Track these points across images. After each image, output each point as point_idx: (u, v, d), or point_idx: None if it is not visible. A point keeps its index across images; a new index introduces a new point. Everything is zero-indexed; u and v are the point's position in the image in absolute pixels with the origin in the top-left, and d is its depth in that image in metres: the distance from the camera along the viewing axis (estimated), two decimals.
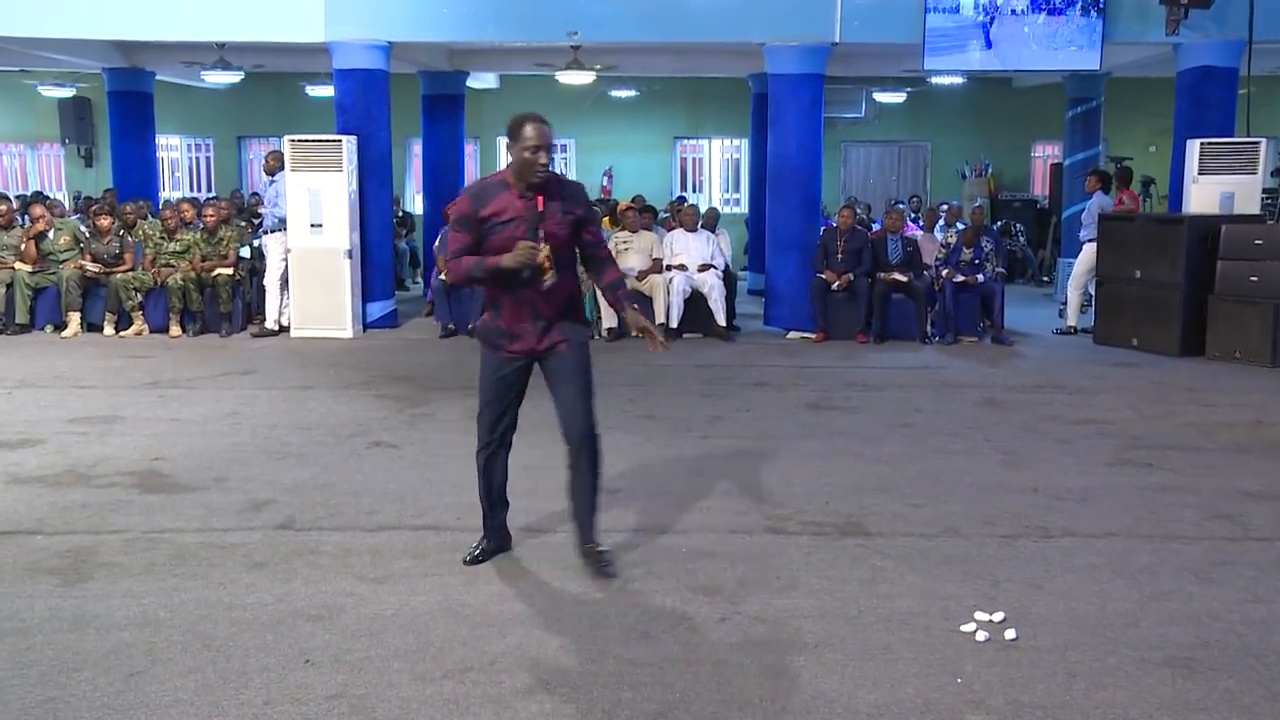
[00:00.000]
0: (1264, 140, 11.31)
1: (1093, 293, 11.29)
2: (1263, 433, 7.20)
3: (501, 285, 4.44)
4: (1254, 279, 9.71)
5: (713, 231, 11.90)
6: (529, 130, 4.28)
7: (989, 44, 11.28)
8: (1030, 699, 3.50)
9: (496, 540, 4.80)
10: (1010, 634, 3.96)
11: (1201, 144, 10.95)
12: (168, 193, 18.55)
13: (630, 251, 11.31)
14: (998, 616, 4.09)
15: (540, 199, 4.34)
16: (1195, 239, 10.00)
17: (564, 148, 19.55)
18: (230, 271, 11.22)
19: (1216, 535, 5.12)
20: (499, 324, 4.55)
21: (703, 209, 12.67)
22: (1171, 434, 7.14)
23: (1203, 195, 10.93)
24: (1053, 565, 4.69)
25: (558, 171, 4.44)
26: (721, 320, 11.14)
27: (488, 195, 4.38)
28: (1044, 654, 3.83)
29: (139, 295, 11.17)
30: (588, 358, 4.62)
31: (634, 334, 4.55)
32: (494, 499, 4.77)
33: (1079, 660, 3.78)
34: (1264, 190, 11.27)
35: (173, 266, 11.17)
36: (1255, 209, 10.90)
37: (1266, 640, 3.95)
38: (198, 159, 20.04)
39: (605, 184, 18.78)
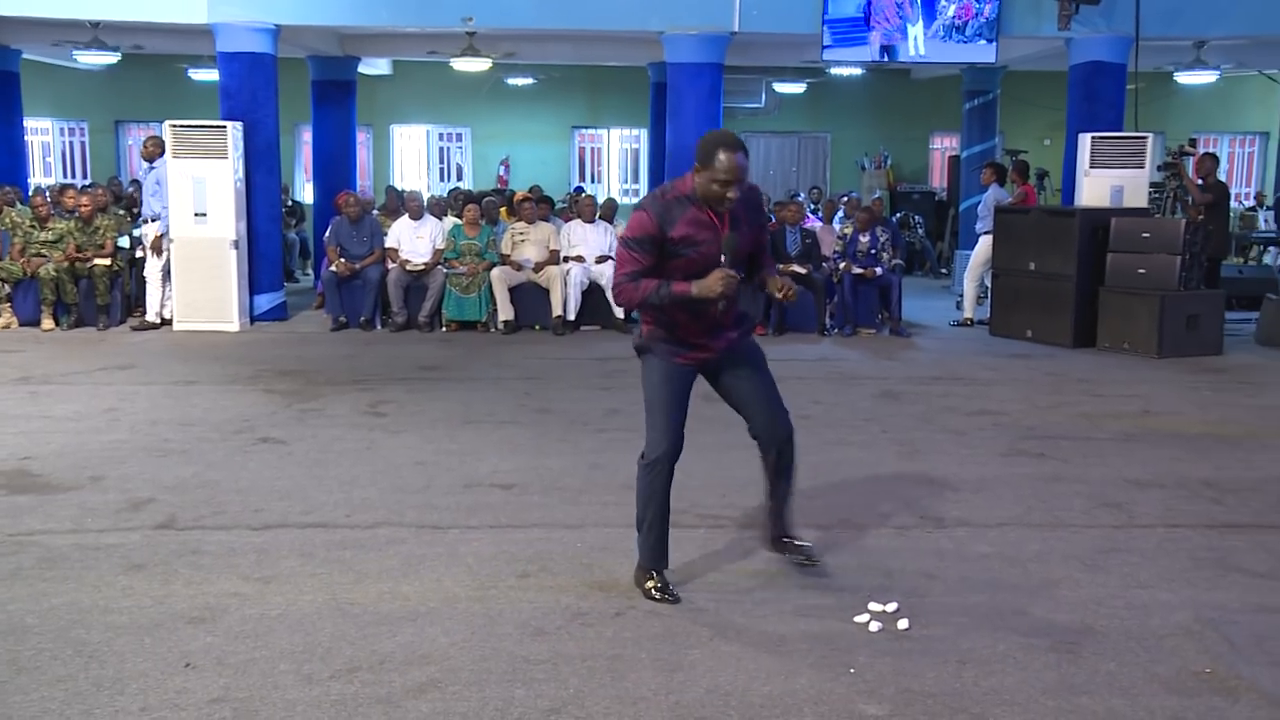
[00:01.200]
0: (1150, 135, 11.64)
1: (989, 285, 11.51)
2: (1149, 422, 7.40)
3: (689, 311, 4.13)
4: (1142, 271, 9.97)
5: (610, 223, 11.87)
6: (722, 159, 3.90)
7: (888, 36, 11.42)
8: (921, 687, 3.53)
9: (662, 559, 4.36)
10: (903, 624, 3.99)
11: (1092, 138, 11.24)
12: (38, 179, 17.89)
13: (527, 243, 11.21)
14: (891, 607, 4.12)
15: (727, 217, 4.07)
16: (1087, 232, 10.25)
17: (459, 137, 19.36)
18: (108, 262, 10.85)
19: (1104, 523, 5.24)
20: (677, 334, 4.22)
21: (601, 200, 12.65)
22: (1063, 424, 7.29)
23: (1094, 188, 11.22)
24: (946, 555, 4.74)
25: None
26: (620, 312, 11.10)
27: (674, 214, 3.99)
28: (936, 643, 3.86)
29: (7, 286, 10.74)
30: (760, 348, 4.44)
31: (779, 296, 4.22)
32: (666, 510, 4.32)
33: (970, 648, 3.82)
34: (1151, 184, 11.60)
35: (44, 256, 10.77)
36: (1143, 202, 11.22)
37: (1146, 624, 4.04)
38: (71, 143, 19.33)
39: (502, 174, 18.63)
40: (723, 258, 4.02)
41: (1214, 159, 12.18)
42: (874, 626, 3.97)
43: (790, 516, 4.56)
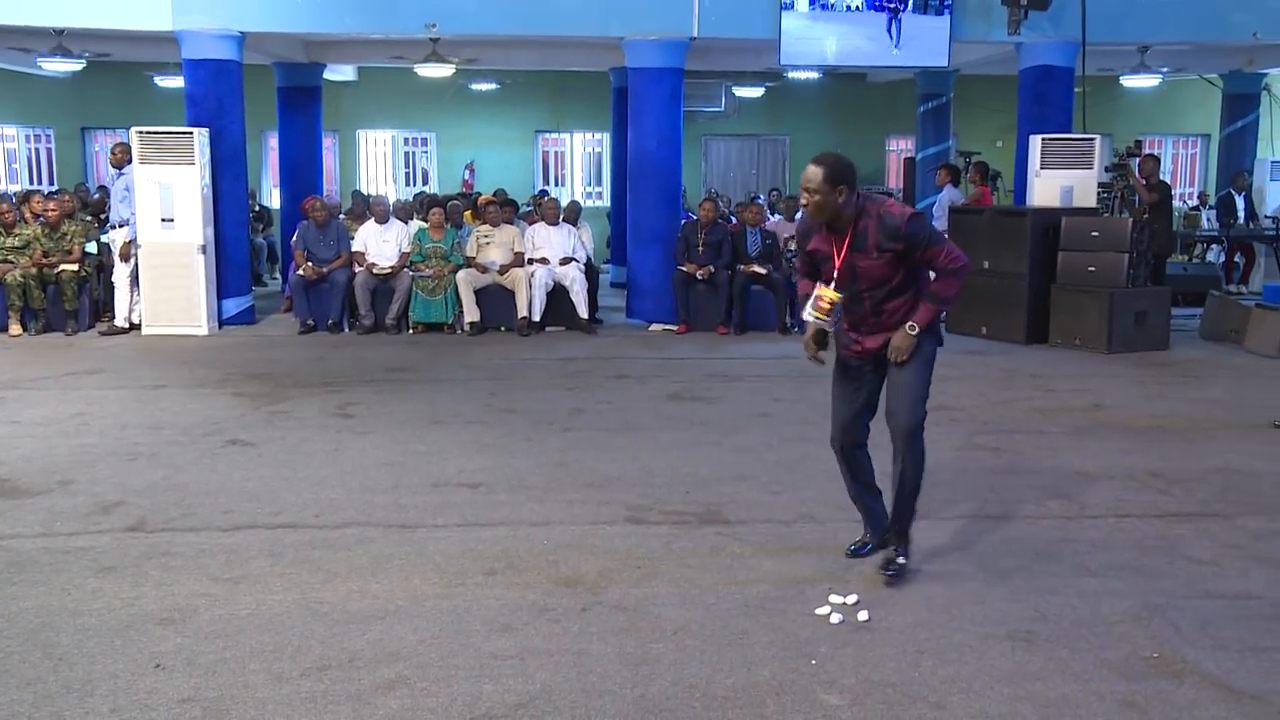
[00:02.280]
0: (1098, 137, 11.85)
1: None
2: (1099, 415, 7.55)
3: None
4: (1091, 269, 10.16)
5: (574, 225, 11.93)
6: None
7: (844, 40, 11.57)
8: (881, 677, 3.61)
9: (876, 532, 4.70)
10: (863, 615, 4.08)
11: (1043, 140, 11.41)
12: (4, 185, 17.73)
13: (492, 245, 11.26)
14: (851, 599, 4.20)
15: (846, 236, 4.28)
16: (1038, 231, 10.42)
17: (424, 141, 19.36)
18: (75, 268, 10.81)
19: (1055, 514, 5.36)
20: (842, 328, 4.49)
21: (564, 202, 12.70)
22: (1017, 418, 7.43)
23: (1045, 189, 11.39)
24: None
25: (879, 208, 4.26)
26: (584, 313, 11.18)
27: (811, 230, 4.40)
28: (895, 633, 3.95)
29: None
30: (930, 353, 4.44)
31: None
32: (857, 489, 4.69)
33: (927, 638, 3.91)
34: (1099, 184, 11.81)
35: (11, 263, 10.71)
36: (1092, 202, 11.41)
37: (1097, 611, 4.16)
38: (37, 150, 19.18)
39: (467, 178, 18.65)
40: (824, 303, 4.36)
41: (1155, 160, 12.43)
42: (835, 619, 4.05)
43: (901, 523, 4.53)
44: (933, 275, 4.37)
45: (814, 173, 4.20)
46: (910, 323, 4.32)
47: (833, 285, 4.34)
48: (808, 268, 4.54)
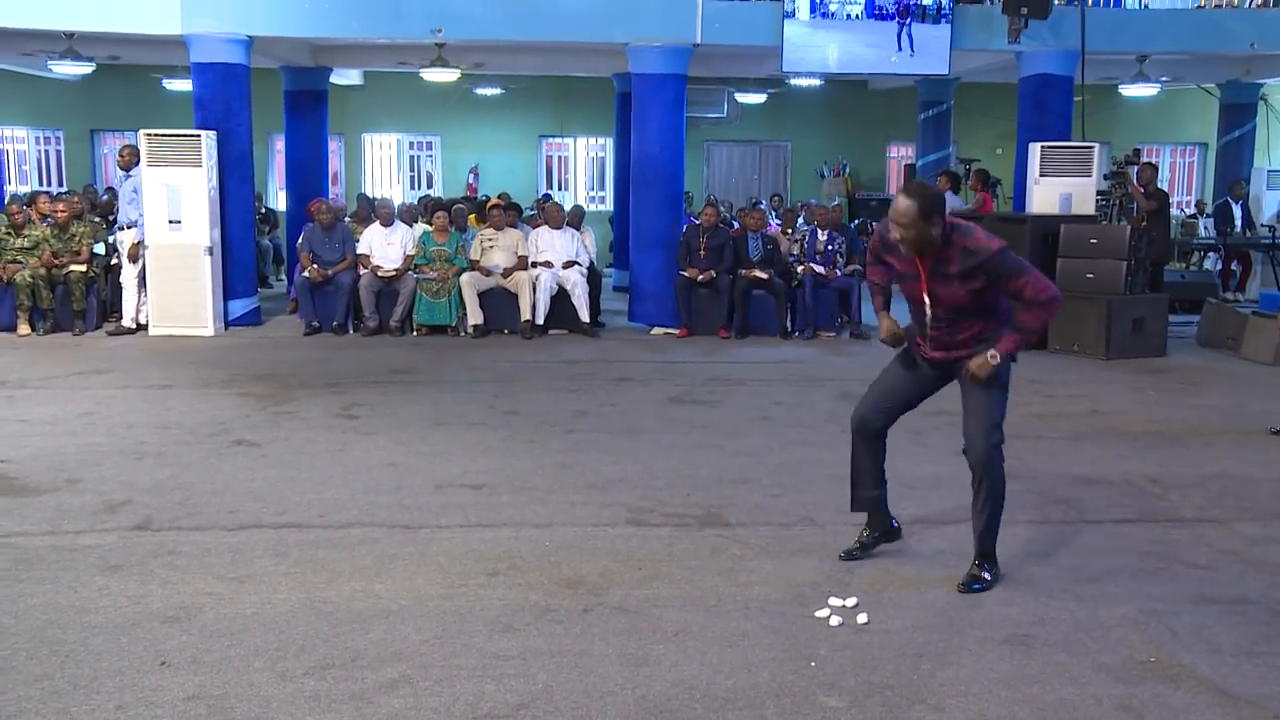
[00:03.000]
0: (1096, 145, 11.89)
1: None
2: (1097, 421, 7.58)
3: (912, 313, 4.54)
4: (1090, 276, 10.19)
5: (577, 229, 11.97)
6: (895, 203, 4.25)
7: (845, 47, 11.63)
8: (880, 679, 3.64)
9: (874, 526, 4.78)
10: (862, 618, 4.10)
11: (1042, 147, 11.44)
12: (14, 187, 17.78)
13: (496, 249, 11.31)
14: (851, 601, 4.23)
15: (928, 261, 4.29)
16: (1038, 238, 10.44)
17: (429, 145, 19.40)
18: (83, 268, 10.86)
19: (1053, 519, 5.40)
20: (912, 324, 4.57)
21: (568, 207, 12.74)
22: (1015, 424, 7.31)
23: (1044, 196, 11.42)
24: (903, 551, 4.87)
25: (964, 239, 4.23)
26: (586, 317, 11.22)
27: (889, 235, 4.35)
28: (894, 636, 3.98)
29: None
30: (1005, 376, 4.42)
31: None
32: (858, 471, 4.77)
33: (926, 641, 3.94)
34: (1098, 192, 11.85)
35: (20, 263, 10.77)
36: (1091, 209, 11.45)
37: (1095, 615, 4.19)
38: (47, 152, 19.24)
39: (471, 182, 18.69)
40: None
41: (1153, 168, 12.47)
42: (834, 621, 4.08)
43: (984, 540, 4.53)
44: (1021, 305, 4.32)
45: (906, 207, 4.16)
46: (993, 351, 4.29)
47: (924, 304, 4.38)
48: (878, 261, 4.61)
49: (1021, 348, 4.36)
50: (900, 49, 11.53)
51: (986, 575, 4.50)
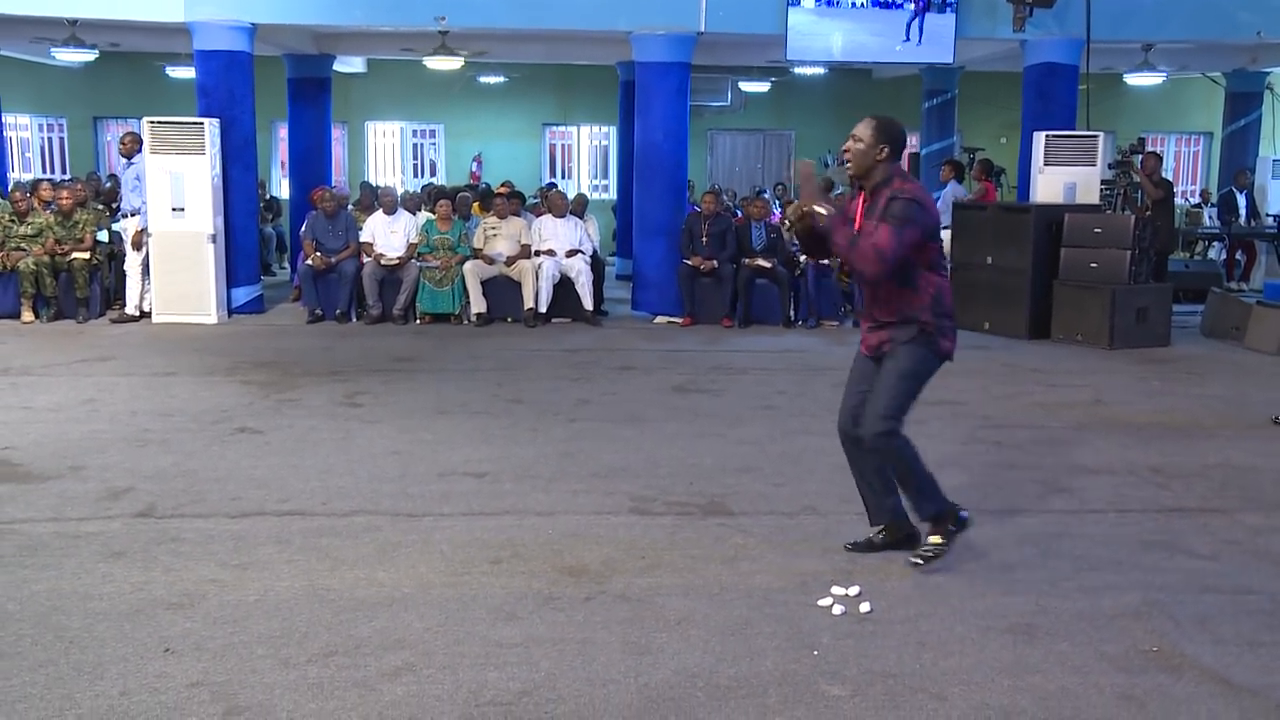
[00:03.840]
0: (1101, 134, 11.87)
1: None
2: (1100, 411, 7.57)
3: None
4: (1094, 265, 10.18)
5: (581, 217, 11.97)
6: None
7: (850, 36, 11.61)
8: (882, 668, 3.64)
9: (891, 534, 4.69)
10: (865, 607, 4.10)
11: (1046, 136, 11.43)
12: (17, 174, 17.79)
13: (499, 237, 11.31)
14: (853, 590, 4.23)
15: (866, 202, 4.32)
16: (1041, 227, 10.44)
17: (433, 133, 19.38)
18: (87, 256, 10.87)
19: (1056, 508, 5.40)
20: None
21: (571, 195, 12.73)
22: (1019, 413, 7.46)
23: (1048, 185, 11.41)
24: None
25: (903, 184, 4.25)
26: (589, 305, 11.22)
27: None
28: (896, 625, 3.98)
29: None
30: (918, 363, 4.40)
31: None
32: (860, 490, 4.73)
33: (929, 630, 3.94)
34: (1102, 181, 11.83)
35: (24, 250, 10.78)
36: (1095, 199, 11.42)
37: (1097, 605, 4.19)
38: (50, 139, 19.25)
39: (475, 170, 18.67)
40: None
41: (1158, 158, 12.46)
42: (837, 610, 4.08)
43: (920, 508, 4.53)
44: (864, 239, 4.28)
45: (866, 123, 4.29)
46: (818, 208, 4.28)
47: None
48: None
49: (834, 245, 4.32)
50: (908, 39, 11.50)
51: (930, 545, 4.51)
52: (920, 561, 4.50)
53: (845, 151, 4.34)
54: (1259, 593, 4.36)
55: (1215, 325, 10.83)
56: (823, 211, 4.28)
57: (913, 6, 11.42)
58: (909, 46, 11.61)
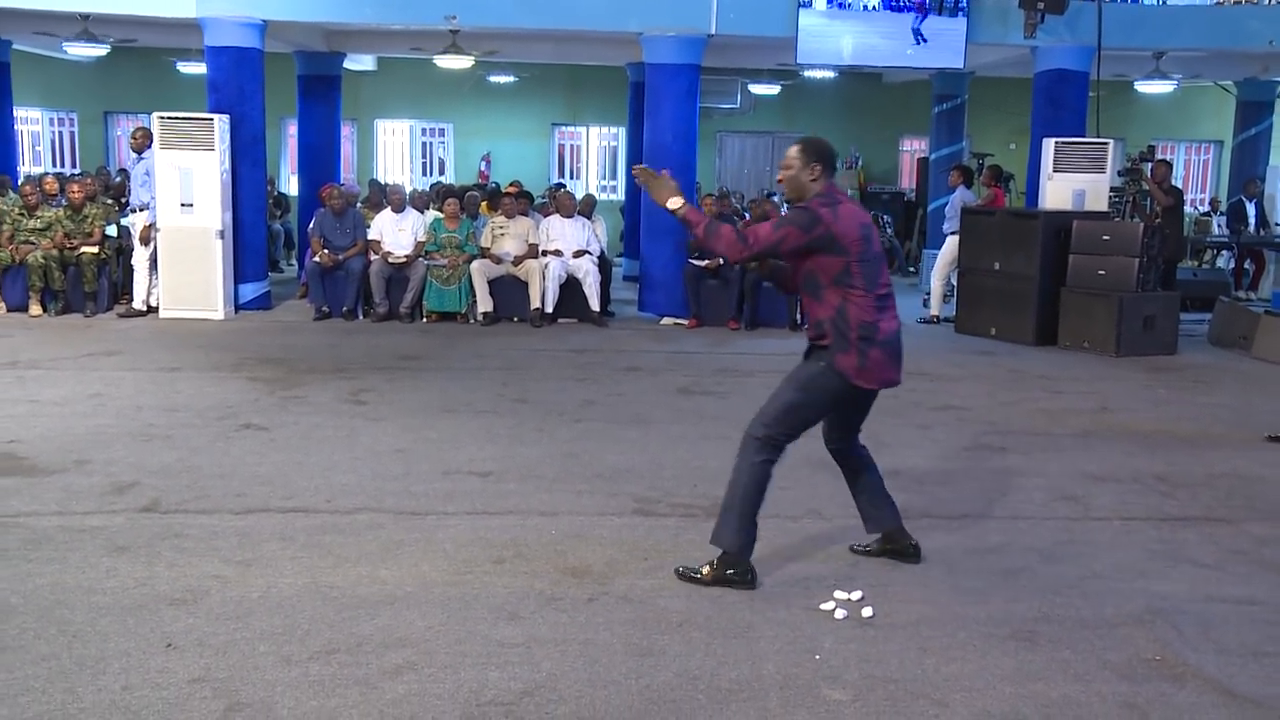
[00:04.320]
0: (1111, 141, 11.85)
1: (955, 283, 11.68)
2: (1106, 419, 7.56)
3: None
4: (1101, 273, 10.16)
5: (588, 218, 11.98)
6: None
7: (860, 39, 11.61)
8: (884, 673, 3.64)
9: (887, 542, 4.69)
10: (867, 611, 4.10)
11: (1056, 143, 11.42)
12: (28, 168, 17.84)
13: (506, 237, 11.31)
14: (856, 595, 4.23)
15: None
16: (1050, 234, 10.42)
17: (442, 132, 19.40)
18: (95, 250, 10.90)
19: (1061, 515, 5.39)
20: None
21: (579, 196, 12.73)
22: (1024, 420, 7.45)
23: (1057, 192, 11.40)
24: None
25: (829, 194, 4.24)
26: (596, 306, 11.22)
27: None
28: (899, 630, 3.98)
29: None
30: (811, 376, 4.37)
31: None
32: (854, 501, 4.73)
33: (931, 635, 3.94)
34: (1111, 188, 11.81)
35: (33, 244, 10.80)
36: (1104, 206, 11.41)
37: (1100, 613, 4.18)
38: (61, 133, 19.30)
39: (483, 169, 18.69)
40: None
41: (1168, 165, 12.43)
42: (839, 614, 4.08)
43: (719, 524, 4.42)
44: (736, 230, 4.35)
45: (792, 147, 4.31)
46: (677, 201, 4.29)
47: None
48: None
49: (690, 228, 4.35)
50: (918, 43, 11.49)
51: (698, 572, 4.35)
52: (682, 570, 4.40)
53: (780, 181, 4.36)
54: (1263, 603, 4.35)
55: (1223, 334, 10.81)
56: (676, 205, 4.28)
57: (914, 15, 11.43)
58: (919, 51, 11.60)
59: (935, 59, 11.91)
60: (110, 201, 12.04)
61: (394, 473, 5.76)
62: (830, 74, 16.38)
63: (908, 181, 19.41)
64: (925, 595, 4.31)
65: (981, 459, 6.40)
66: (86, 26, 12.52)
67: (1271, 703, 3.53)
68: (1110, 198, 11.70)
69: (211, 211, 10.83)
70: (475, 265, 11.07)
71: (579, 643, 3.80)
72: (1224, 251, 14.97)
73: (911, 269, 16.86)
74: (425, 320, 11.12)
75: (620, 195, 17.84)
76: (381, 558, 4.55)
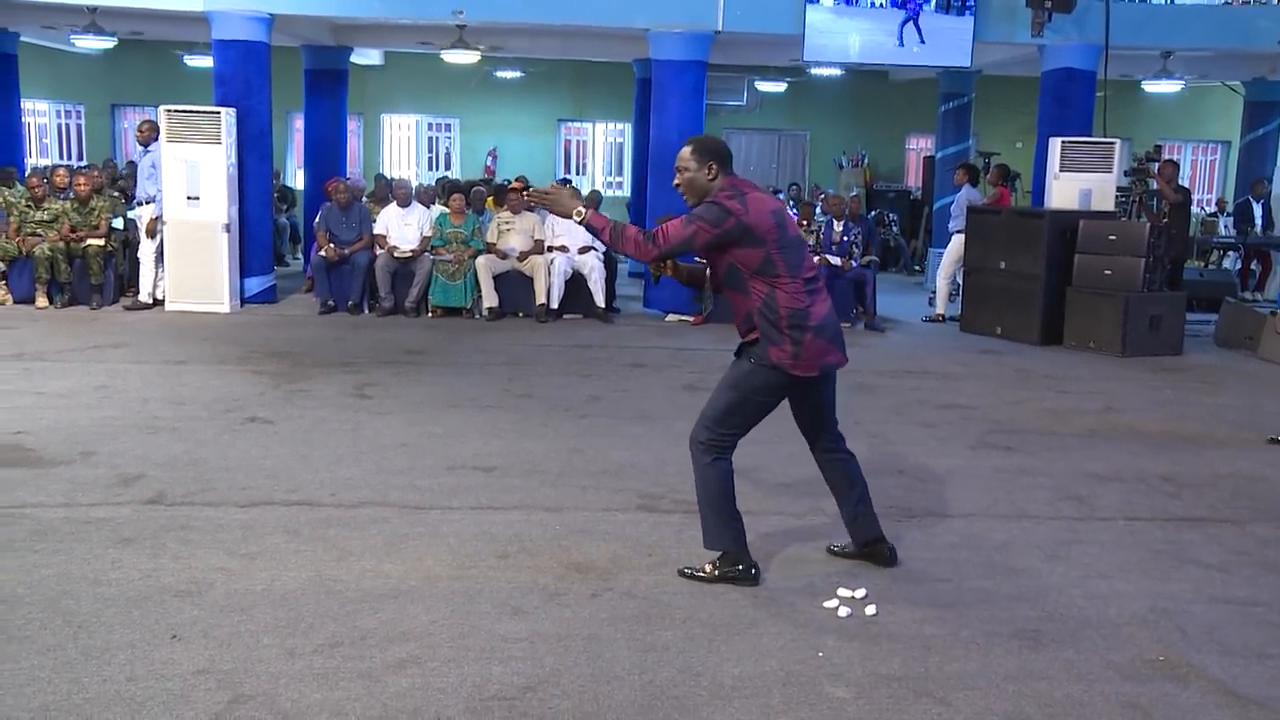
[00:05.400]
0: (1118, 141, 11.84)
1: (960, 282, 11.67)
2: (1112, 419, 7.55)
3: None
4: (1108, 272, 10.15)
5: None
6: None
7: (867, 36, 11.60)
8: (887, 671, 3.64)
9: (855, 535, 4.63)
10: (871, 610, 4.10)
11: (1063, 142, 11.41)
12: (35, 160, 17.86)
13: (512, 232, 11.31)
14: (860, 593, 4.23)
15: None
16: (1055, 233, 10.41)
17: (448, 127, 19.40)
18: (102, 242, 10.91)
19: (1066, 515, 5.38)
20: None
21: (585, 192, 12.73)
22: (1029, 419, 7.44)
23: (1063, 191, 11.39)
24: (914, 544, 4.86)
25: (734, 188, 4.22)
26: (601, 302, 11.22)
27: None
28: (902, 628, 3.98)
29: (2, 265, 10.81)
30: (742, 375, 4.33)
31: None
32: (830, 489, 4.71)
33: (934, 634, 3.93)
34: (1118, 188, 11.80)
35: (40, 236, 10.82)
36: (1110, 206, 11.40)
37: (1104, 613, 4.18)
38: (68, 126, 19.33)
39: (489, 164, 18.70)
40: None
41: (1174, 165, 12.41)
42: (843, 612, 4.08)
43: (703, 530, 4.41)
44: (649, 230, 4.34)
45: (684, 150, 4.28)
46: (581, 211, 4.22)
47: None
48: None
49: (596, 235, 4.29)
50: (902, 43, 11.49)
51: (701, 571, 4.37)
52: (686, 572, 4.40)
53: (677, 185, 4.32)
54: (1267, 604, 4.34)
55: (1229, 335, 10.79)
56: (580, 215, 4.23)
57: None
58: (925, 49, 11.58)
59: (942, 57, 11.90)
60: (117, 194, 12.06)
61: (398, 467, 5.76)
62: (837, 72, 16.37)
63: (914, 180, 19.40)
64: (929, 594, 4.31)
65: (986, 458, 6.40)
66: (94, 19, 12.54)
67: (1275, 704, 3.53)
68: (1117, 197, 11.68)
69: (218, 205, 10.84)
70: (481, 260, 11.08)
71: (582, 638, 3.80)
72: (1230, 252, 14.94)
73: (917, 267, 16.86)
74: (430, 315, 11.12)
75: (626, 191, 17.83)
76: (386, 552, 4.56)
